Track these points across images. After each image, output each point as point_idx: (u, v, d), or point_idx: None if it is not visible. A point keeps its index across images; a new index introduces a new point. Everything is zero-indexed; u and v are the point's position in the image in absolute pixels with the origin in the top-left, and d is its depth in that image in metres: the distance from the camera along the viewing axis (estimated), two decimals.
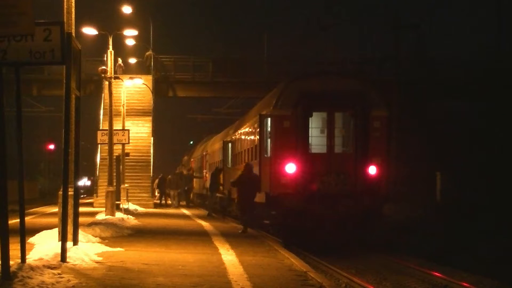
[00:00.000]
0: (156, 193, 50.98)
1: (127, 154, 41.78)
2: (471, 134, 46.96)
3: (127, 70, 51.69)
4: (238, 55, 58.87)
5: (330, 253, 21.03)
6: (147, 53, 53.21)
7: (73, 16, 15.89)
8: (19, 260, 11.79)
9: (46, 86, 51.08)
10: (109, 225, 23.13)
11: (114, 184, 32.70)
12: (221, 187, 35.28)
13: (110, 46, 33.03)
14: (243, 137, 29.22)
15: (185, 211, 41.46)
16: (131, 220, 27.99)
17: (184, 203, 48.24)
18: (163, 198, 49.84)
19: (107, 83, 35.10)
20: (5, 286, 10.37)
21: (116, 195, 31.97)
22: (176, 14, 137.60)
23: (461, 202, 34.84)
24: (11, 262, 11.13)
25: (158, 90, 52.46)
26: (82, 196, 64.42)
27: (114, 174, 33.86)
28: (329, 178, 22.25)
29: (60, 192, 14.57)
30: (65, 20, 15.58)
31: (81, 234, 16.97)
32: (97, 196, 44.48)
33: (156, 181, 50.61)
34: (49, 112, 61.20)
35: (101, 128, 41.72)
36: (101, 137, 33.09)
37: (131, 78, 43.42)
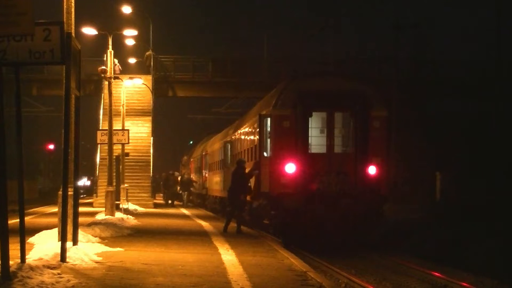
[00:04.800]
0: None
1: (127, 154, 41.78)
2: (471, 134, 46.93)
3: (127, 70, 51.69)
4: (238, 55, 58.87)
5: (330, 253, 21.04)
6: (147, 53, 53.20)
7: (73, 16, 15.89)
8: (19, 260, 11.78)
9: (46, 86, 51.07)
10: (109, 225, 23.13)
11: (114, 184, 32.69)
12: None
13: (110, 46, 33.02)
14: (243, 137, 29.21)
15: (185, 211, 41.49)
16: (131, 220, 27.98)
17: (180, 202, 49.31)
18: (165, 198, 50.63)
19: (106, 83, 35.10)
20: (5, 286, 10.37)
21: (116, 195, 31.96)
22: (176, 14, 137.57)
23: (461, 202, 34.81)
24: (11, 262, 11.12)
25: (158, 90, 52.47)
26: (81, 196, 64.41)
27: (114, 174, 33.85)
28: (329, 178, 22.24)
29: (60, 192, 14.57)
30: (64, 20, 15.58)
31: (81, 234, 16.97)
32: (96, 196, 44.49)
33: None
34: (49, 112, 61.16)
35: (100, 128, 41.72)
36: (101, 137, 33.09)
37: (130, 78, 43.42)
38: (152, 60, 52.72)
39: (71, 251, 13.96)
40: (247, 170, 24.15)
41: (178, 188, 49.83)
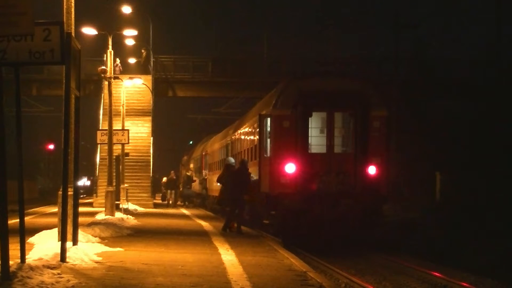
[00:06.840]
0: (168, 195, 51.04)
1: (127, 154, 41.80)
2: (471, 134, 46.95)
3: (127, 70, 51.69)
4: (238, 55, 58.73)
5: (330, 253, 21.03)
6: (143, 53, 53.15)
7: (73, 16, 15.89)
8: (19, 260, 11.78)
9: (46, 86, 51.08)
10: (109, 225, 23.13)
11: (114, 184, 32.70)
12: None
13: (110, 46, 33.02)
14: (242, 137, 29.22)
15: (184, 211, 41.50)
16: (131, 220, 27.98)
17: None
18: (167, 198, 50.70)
19: (106, 83, 35.10)
20: (5, 286, 10.37)
21: (116, 195, 31.96)
22: (176, 14, 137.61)
23: (461, 201, 34.83)
24: (11, 262, 11.12)
25: (157, 90, 52.49)
26: (81, 196, 64.42)
27: (114, 174, 33.86)
28: (329, 178, 22.24)
29: (60, 192, 14.57)
30: (64, 20, 15.59)
31: (81, 234, 16.97)
32: (96, 196, 44.50)
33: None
34: (49, 112, 61.18)
35: (100, 128, 41.73)
36: (101, 137, 33.10)
37: (130, 78, 43.42)
38: (152, 59, 52.70)
39: (71, 251, 13.96)
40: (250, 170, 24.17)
41: (181, 187, 50.00)
